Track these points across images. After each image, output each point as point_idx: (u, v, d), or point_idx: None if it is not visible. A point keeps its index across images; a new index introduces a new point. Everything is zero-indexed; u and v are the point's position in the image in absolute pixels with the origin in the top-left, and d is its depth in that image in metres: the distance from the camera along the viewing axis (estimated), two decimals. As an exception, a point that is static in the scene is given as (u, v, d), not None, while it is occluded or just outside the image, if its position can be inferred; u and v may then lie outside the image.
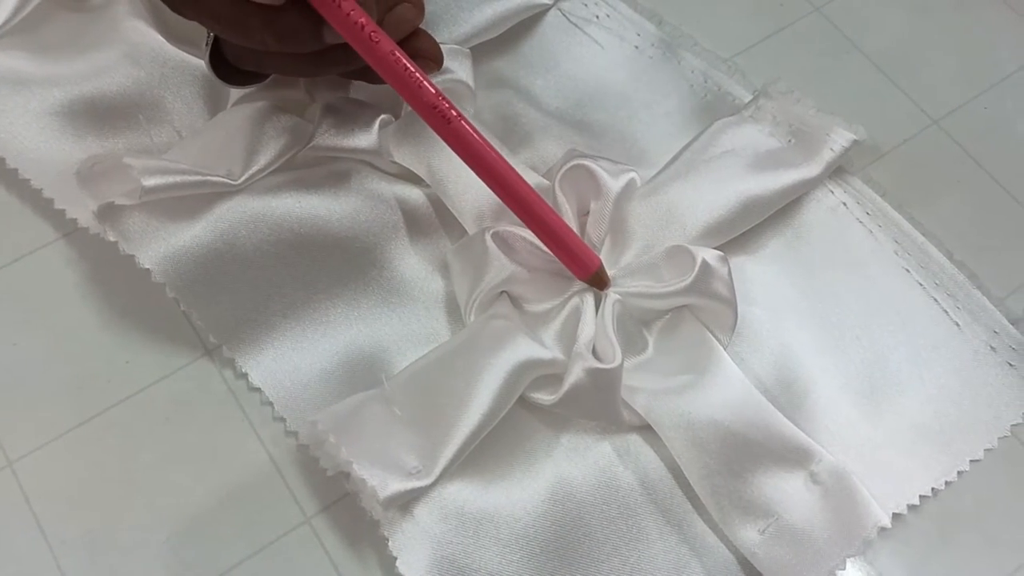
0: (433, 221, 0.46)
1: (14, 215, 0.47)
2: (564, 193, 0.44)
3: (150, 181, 0.41)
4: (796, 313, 0.45)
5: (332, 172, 0.46)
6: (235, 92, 0.47)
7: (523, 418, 0.42)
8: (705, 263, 0.41)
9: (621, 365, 0.40)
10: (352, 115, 0.46)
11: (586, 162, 0.44)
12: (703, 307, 0.43)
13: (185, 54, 0.48)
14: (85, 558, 0.40)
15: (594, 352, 0.40)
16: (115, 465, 0.42)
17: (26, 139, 0.46)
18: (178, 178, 0.41)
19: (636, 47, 0.52)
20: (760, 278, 0.46)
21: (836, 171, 0.49)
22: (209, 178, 0.42)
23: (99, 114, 0.47)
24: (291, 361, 0.43)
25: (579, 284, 0.43)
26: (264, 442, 0.42)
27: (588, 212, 0.45)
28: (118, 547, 0.40)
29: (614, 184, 0.44)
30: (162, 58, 0.48)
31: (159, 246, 0.42)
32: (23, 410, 0.42)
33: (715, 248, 0.44)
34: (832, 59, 0.53)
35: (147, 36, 0.48)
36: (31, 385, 0.43)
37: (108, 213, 0.43)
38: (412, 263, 0.45)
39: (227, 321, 0.43)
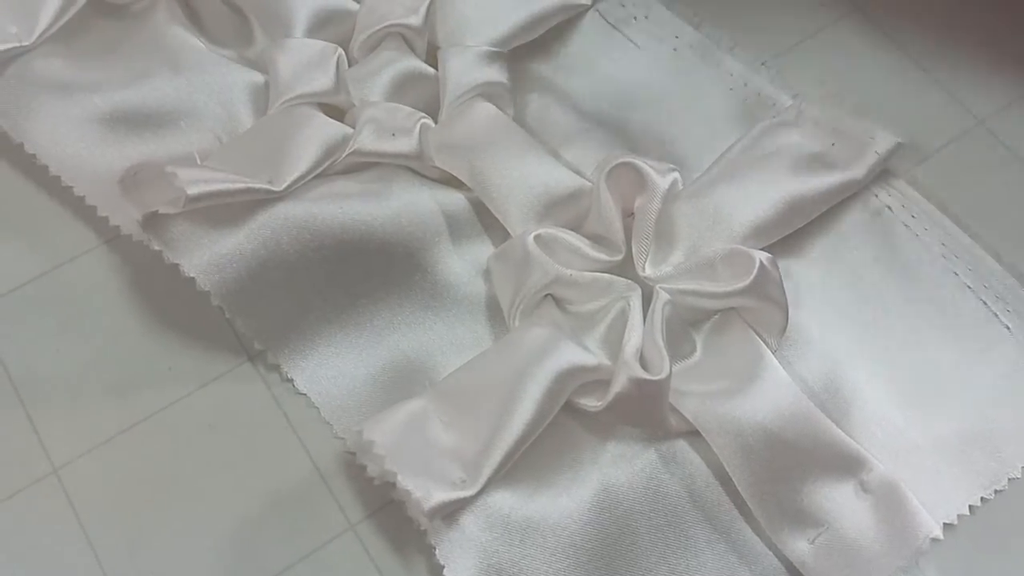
0: (476, 225, 0.46)
1: (56, 221, 0.47)
2: (609, 191, 0.43)
3: (194, 189, 0.40)
4: (842, 317, 0.45)
5: (373, 177, 0.45)
6: (276, 98, 0.46)
7: (568, 425, 0.42)
8: (763, 265, 0.41)
9: (669, 377, 0.39)
10: (392, 118, 0.46)
11: (632, 159, 0.44)
12: (754, 309, 0.42)
13: (225, 59, 0.49)
14: (129, 564, 0.40)
15: (641, 360, 0.40)
16: (159, 471, 0.42)
17: (67, 146, 0.46)
18: (221, 186, 0.41)
19: (674, 49, 0.52)
20: (805, 281, 0.46)
21: (880, 174, 0.48)
22: (252, 185, 0.42)
23: (140, 121, 0.47)
24: (336, 366, 0.43)
25: (625, 284, 0.42)
26: (308, 448, 0.42)
27: (631, 213, 0.44)
28: (162, 553, 0.40)
29: (661, 182, 0.44)
30: (202, 64, 0.48)
31: (203, 254, 0.42)
32: (67, 417, 0.43)
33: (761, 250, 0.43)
34: (872, 59, 0.53)
35: (187, 42, 0.49)
36: (74, 392, 0.43)
37: (152, 222, 0.43)
38: (455, 267, 0.45)
39: (271, 327, 0.43)
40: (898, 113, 0.49)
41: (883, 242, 0.47)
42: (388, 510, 0.41)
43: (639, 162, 0.44)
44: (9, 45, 0.47)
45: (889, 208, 0.47)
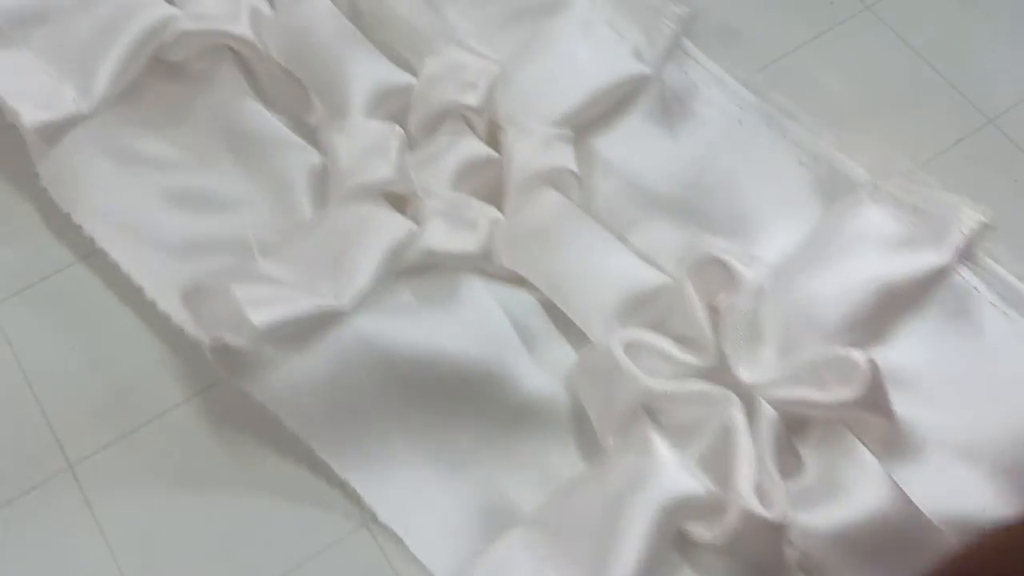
0: (550, 327, 0.44)
1: (71, 219, 0.46)
2: (694, 288, 0.41)
3: (261, 317, 0.38)
4: (945, 412, 0.43)
5: (440, 283, 0.43)
6: (338, 185, 0.44)
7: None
8: (872, 373, 0.39)
9: (789, 517, 0.37)
10: (460, 214, 0.43)
11: (717, 253, 0.42)
12: (863, 420, 0.40)
13: (285, 137, 0.47)
14: (142, 557, 0.40)
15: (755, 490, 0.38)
16: (172, 468, 0.42)
17: (121, 223, 0.44)
18: (288, 311, 0.39)
19: (740, 121, 0.49)
20: (900, 375, 0.43)
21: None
22: (319, 304, 0.39)
23: (199, 202, 0.45)
24: (421, 497, 0.40)
25: (723, 395, 0.40)
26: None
27: (715, 307, 0.42)
28: (174, 547, 0.40)
29: (750, 276, 0.42)
30: (263, 143, 0.46)
31: (272, 378, 0.40)
32: (81, 414, 0.43)
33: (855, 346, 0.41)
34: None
35: (248, 115, 0.47)
36: (89, 389, 0.43)
37: (219, 346, 0.40)
38: (536, 380, 0.42)
39: (349, 454, 0.40)
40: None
41: (968, 321, 0.45)
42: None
43: (725, 256, 0.42)
44: (67, 113, 0.45)
45: (976, 289, 0.46)
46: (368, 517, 0.40)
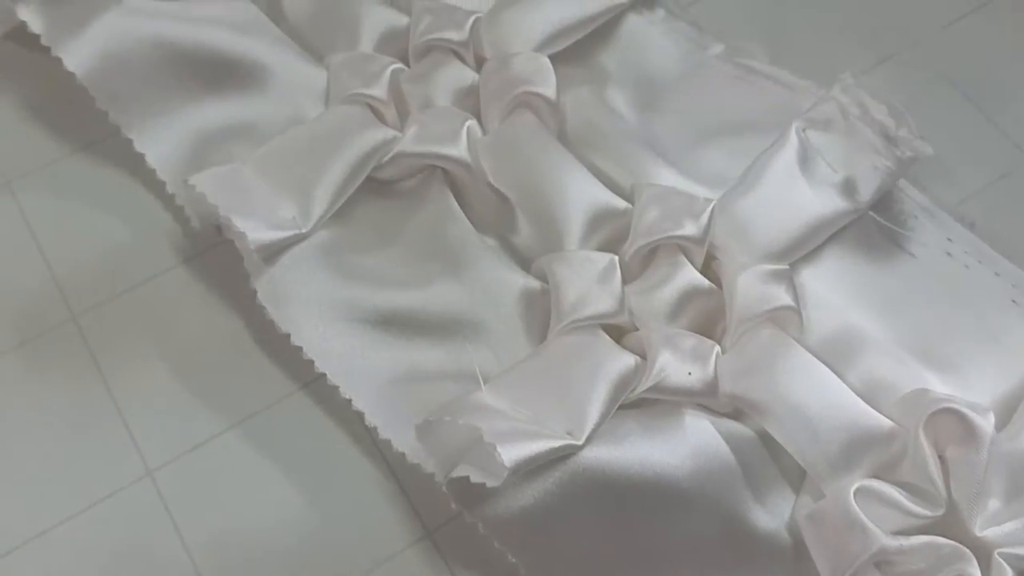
0: (770, 465, 0.43)
1: (154, 232, 0.49)
2: (927, 440, 0.41)
3: (510, 454, 0.37)
4: None
5: (666, 416, 0.42)
6: (559, 316, 0.43)
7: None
8: None
9: None
10: (684, 348, 0.43)
11: (953, 405, 0.41)
12: None
13: (499, 261, 0.47)
14: (219, 559, 0.42)
15: None
16: (248, 475, 0.44)
17: (337, 343, 0.44)
18: (533, 448, 0.38)
19: (949, 254, 0.49)
20: None
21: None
22: (559, 442, 0.39)
23: (419, 326, 0.45)
24: None
25: (955, 551, 0.39)
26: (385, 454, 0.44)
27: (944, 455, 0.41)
28: (250, 552, 0.42)
29: (986, 427, 0.41)
30: (479, 267, 0.46)
31: (502, 507, 0.39)
32: (161, 422, 0.45)
33: None
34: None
35: (463, 237, 0.47)
36: (168, 398, 0.45)
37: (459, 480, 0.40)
38: (760, 520, 0.42)
39: None
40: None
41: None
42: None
43: (962, 408, 0.41)
44: (287, 233, 0.45)
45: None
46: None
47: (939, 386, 0.45)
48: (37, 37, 0.49)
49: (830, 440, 0.41)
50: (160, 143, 0.49)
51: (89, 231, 0.49)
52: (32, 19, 0.48)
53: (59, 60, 0.48)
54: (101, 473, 0.44)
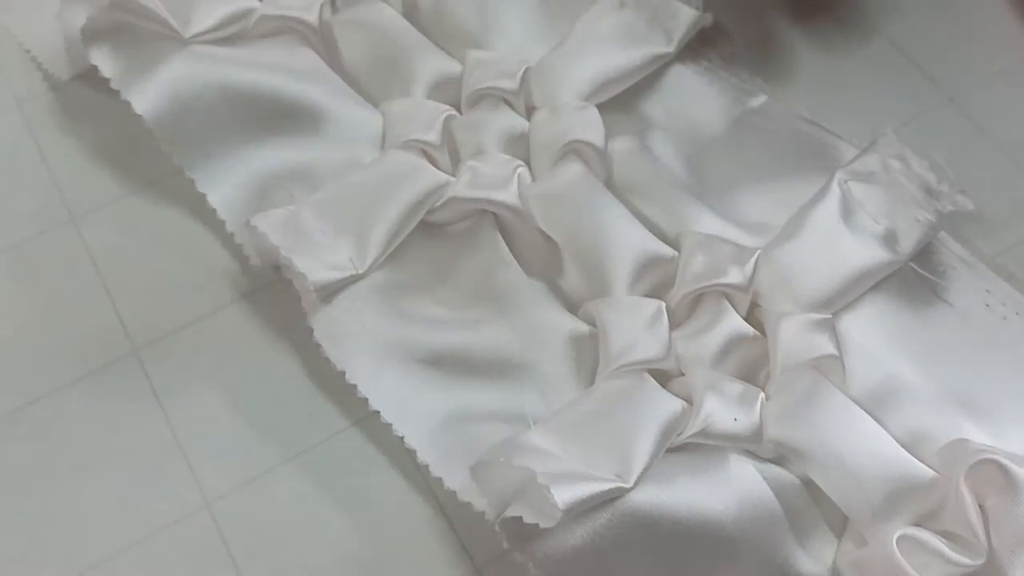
0: (813, 510, 0.44)
1: (211, 269, 0.51)
2: (969, 490, 0.41)
3: (564, 497, 0.38)
4: None
5: (711, 460, 0.43)
6: (607, 360, 0.44)
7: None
8: None
9: None
10: (730, 394, 0.44)
11: (996, 457, 0.41)
12: None
13: (549, 304, 0.48)
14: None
15: None
16: (301, 508, 0.45)
17: (392, 382, 0.45)
18: (586, 491, 0.39)
19: (987, 305, 0.50)
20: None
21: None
22: (611, 486, 0.40)
23: (472, 367, 0.46)
24: None
25: None
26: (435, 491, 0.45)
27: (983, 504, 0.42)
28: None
29: None
30: (529, 318, 0.47)
31: (552, 547, 0.40)
32: (218, 454, 0.46)
33: None
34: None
35: (514, 281, 0.48)
36: (226, 431, 0.47)
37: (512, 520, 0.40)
38: (804, 563, 0.42)
39: None
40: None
41: None
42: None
43: (1002, 459, 0.41)
44: (344, 274, 0.47)
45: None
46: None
47: (978, 436, 0.45)
48: (104, 79, 0.51)
49: (873, 488, 0.42)
50: (221, 184, 0.51)
51: (151, 266, 0.51)
52: (104, 63, 0.50)
53: (124, 102, 0.50)
54: (160, 503, 0.45)
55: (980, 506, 0.42)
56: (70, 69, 0.55)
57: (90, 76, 0.53)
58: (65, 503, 0.45)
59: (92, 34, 0.50)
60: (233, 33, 0.53)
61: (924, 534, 0.41)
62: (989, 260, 0.51)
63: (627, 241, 0.48)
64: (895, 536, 0.41)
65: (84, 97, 0.56)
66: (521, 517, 0.40)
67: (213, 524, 0.45)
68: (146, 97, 0.50)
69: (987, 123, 0.56)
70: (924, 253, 0.51)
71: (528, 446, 0.42)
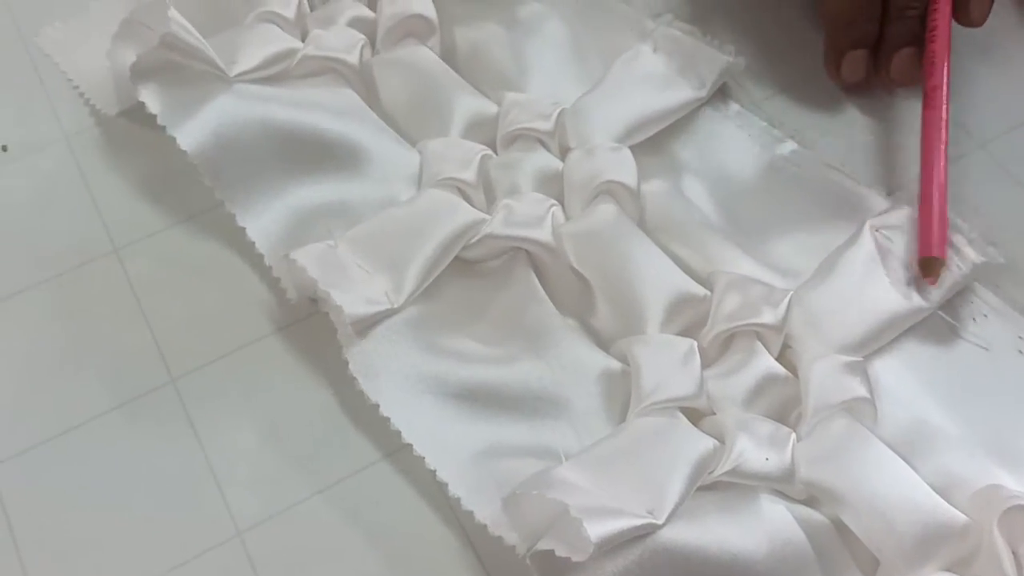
0: (843, 551, 0.44)
1: (244, 300, 0.52)
2: (1002, 536, 0.42)
3: (596, 531, 0.39)
4: None
5: (742, 498, 0.43)
6: (639, 398, 0.45)
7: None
8: None
9: None
10: (763, 435, 0.44)
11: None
12: None
13: (581, 342, 0.48)
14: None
15: None
16: (332, 539, 0.45)
17: (423, 415, 0.46)
18: (618, 526, 0.39)
19: (1020, 352, 0.50)
20: None
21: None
22: (642, 522, 0.40)
23: (503, 401, 0.46)
24: None
25: None
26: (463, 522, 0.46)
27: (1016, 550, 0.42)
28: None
29: None
30: (561, 355, 0.48)
31: None
32: (251, 485, 0.47)
33: None
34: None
35: (545, 320, 0.48)
36: (258, 461, 0.47)
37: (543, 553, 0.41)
38: None
39: None
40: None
41: None
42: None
43: None
44: (380, 308, 0.47)
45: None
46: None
47: (1010, 482, 0.45)
48: (149, 116, 0.52)
49: (905, 532, 0.42)
50: (261, 218, 0.52)
51: (190, 298, 0.52)
52: (151, 100, 0.52)
53: (168, 137, 0.52)
54: (193, 531, 0.45)
55: (1014, 553, 0.42)
56: (117, 105, 0.56)
57: (135, 112, 0.55)
58: (100, 529, 0.46)
59: (141, 72, 0.52)
60: (276, 72, 0.54)
61: (951, 580, 0.41)
62: (1022, 308, 0.51)
63: (660, 280, 0.49)
64: None
65: (129, 132, 0.57)
66: (552, 551, 0.40)
67: (244, 553, 0.45)
68: (191, 133, 0.51)
69: (1020, 171, 0.57)
70: (955, 300, 0.51)
71: (560, 480, 0.42)
